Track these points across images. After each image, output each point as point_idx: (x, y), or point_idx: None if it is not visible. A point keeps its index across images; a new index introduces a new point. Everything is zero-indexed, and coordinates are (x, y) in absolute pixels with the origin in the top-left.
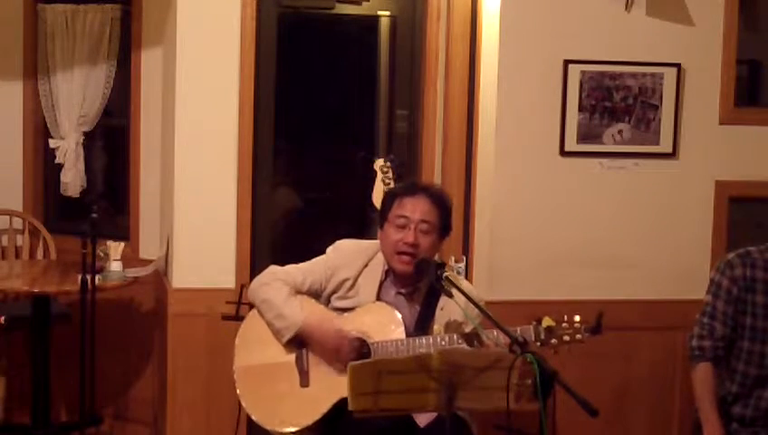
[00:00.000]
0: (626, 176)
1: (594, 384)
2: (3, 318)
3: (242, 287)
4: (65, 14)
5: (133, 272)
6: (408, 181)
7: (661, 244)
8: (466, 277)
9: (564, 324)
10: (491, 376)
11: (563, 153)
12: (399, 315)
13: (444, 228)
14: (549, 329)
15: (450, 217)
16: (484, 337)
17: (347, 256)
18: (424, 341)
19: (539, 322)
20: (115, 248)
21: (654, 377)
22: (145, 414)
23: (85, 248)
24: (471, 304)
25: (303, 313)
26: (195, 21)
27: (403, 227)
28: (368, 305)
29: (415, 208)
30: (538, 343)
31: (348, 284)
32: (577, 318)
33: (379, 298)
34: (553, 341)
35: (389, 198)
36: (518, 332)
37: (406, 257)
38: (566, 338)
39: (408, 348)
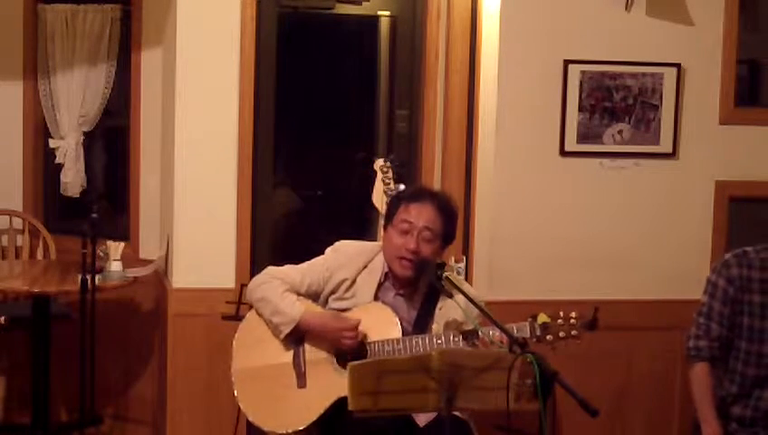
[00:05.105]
0: (626, 176)
1: (594, 384)
2: (3, 318)
3: (242, 287)
4: (65, 14)
5: (133, 272)
6: (416, 187)
7: (661, 244)
8: (466, 277)
9: (560, 320)
10: (491, 376)
11: (563, 153)
12: (396, 316)
13: (447, 236)
14: (544, 325)
15: (454, 225)
16: (482, 334)
17: (346, 256)
18: (420, 340)
19: (534, 318)
20: (115, 248)
21: (654, 377)
22: (145, 414)
23: (85, 248)
24: (471, 306)
25: (302, 306)
26: (195, 21)
27: (406, 232)
28: (365, 305)
29: (419, 215)
30: (534, 340)
31: (346, 284)
32: (573, 314)
33: (377, 299)
34: (549, 337)
35: (396, 201)
36: (513, 328)
37: (406, 262)
38: (562, 334)
39: (405, 347)
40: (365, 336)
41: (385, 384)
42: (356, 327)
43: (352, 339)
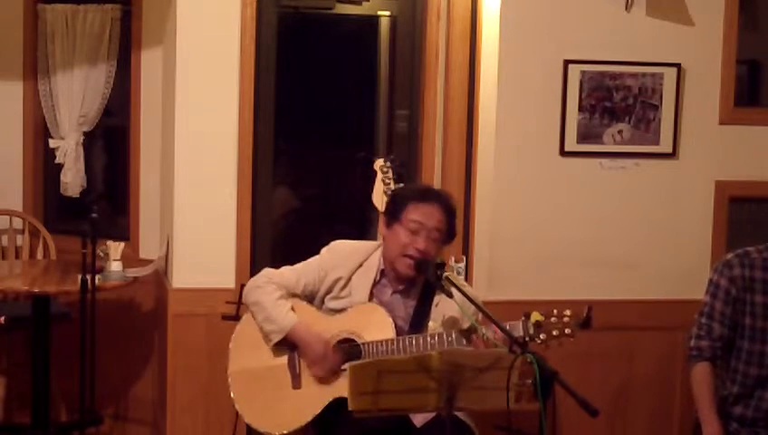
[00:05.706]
0: (626, 176)
1: (594, 384)
2: (3, 318)
3: (242, 287)
4: (65, 14)
5: (133, 272)
6: (419, 185)
7: (661, 244)
8: (466, 277)
9: (553, 319)
10: (491, 376)
11: (563, 153)
12: (390, 316)
13: (450, 234)
14: (537, 324)
15: (455, 223)
16: (480, 333)
17: (341, 256)
18: (414, 341)
19: (527, 317)
20: (115, 248)
21: (654, 377)
22: (145, 414)
23: (85, 248)
24: (468, 302)
25: (294, 316)
26: (195, 21)
27: (415, 232)
28: (359, 306)
29: (430, 216)
30: (527, 339)
31: (341, 283)
32: (567, 312)
33: (373, 297)
34: (542, 336)
35: (402, 200)
36: (507, 327)
37: (410, 261)
38: (555, 333)
39: (399, 348)
40: (359, 337)
41: (385, 384)
42: (328, 368)
43: (320, 372)
